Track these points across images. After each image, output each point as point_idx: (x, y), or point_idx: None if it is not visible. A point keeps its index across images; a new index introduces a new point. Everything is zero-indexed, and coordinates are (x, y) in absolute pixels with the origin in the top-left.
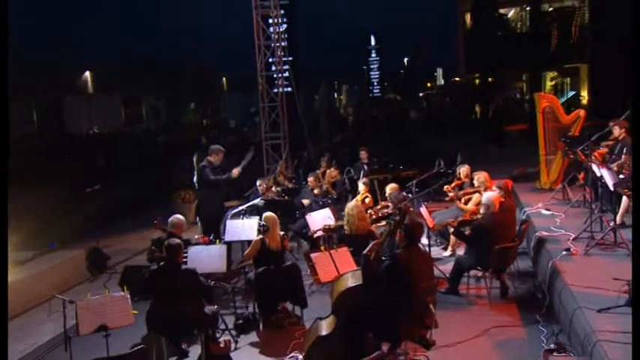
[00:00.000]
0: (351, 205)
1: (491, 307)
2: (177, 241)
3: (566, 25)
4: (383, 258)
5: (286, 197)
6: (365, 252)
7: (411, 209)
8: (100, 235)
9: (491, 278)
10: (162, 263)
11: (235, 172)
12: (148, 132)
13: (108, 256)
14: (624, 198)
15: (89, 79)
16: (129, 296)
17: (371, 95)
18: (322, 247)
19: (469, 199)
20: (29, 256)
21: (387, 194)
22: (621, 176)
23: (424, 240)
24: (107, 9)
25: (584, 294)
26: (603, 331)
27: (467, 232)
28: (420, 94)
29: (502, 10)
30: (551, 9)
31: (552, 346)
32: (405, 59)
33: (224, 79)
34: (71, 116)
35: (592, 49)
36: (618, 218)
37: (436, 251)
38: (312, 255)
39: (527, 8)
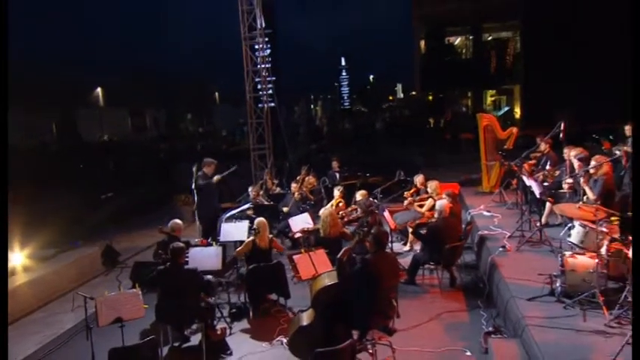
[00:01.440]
0: (325, 212)
1: (441, 295)
2: (181, 245)
3: (502, 52)
4: (355, 258)
5: (272, 202)
6: (339, 256)
7: (377, 211)
8: (112, 233)
9: (442, 271)
10: (167, 264)
11: (215, 179)
12: (151, 140)
13: (119, 253)
14: (547, 203)
15: (100, 94)
16: (140, 293)
17: (342, 107)
18: (303, 250)
19: (423, 204)
20: (51, 254)
21: (356, 200)
22: (545, 184)
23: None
24: (115, 32)
25: (516, 285)
26: (531, 316)
27: (423, 233)
28: (384, 106)
29: (450, 39)
30: (490, 38)
31: (491, 328)
32: (371, 76)
33: (216, 93)
34: (85, 126)
35: (523, 73)
36: (543, 219)
37: (397, 246)
38: (294, 257)
39: (471, 37)
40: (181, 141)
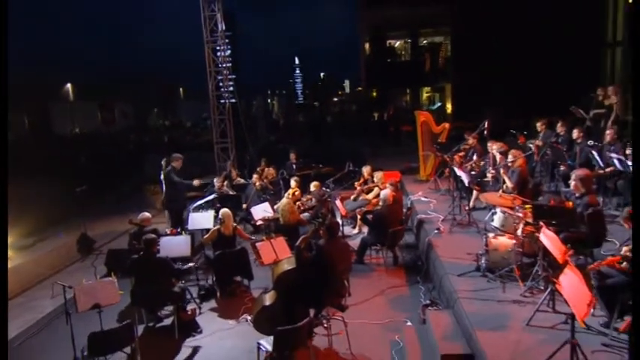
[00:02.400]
0: (283, 202)
1: (386, 273)
2: (153, 236)
3: (435, 55)
4: (312, 245)
5: (235, 192)
6: (297, 244)
7: (329, 200)
8: (86, 221)
9: (386, 251)
10: (141, 253)
11: (196, 182)
12: (120, 132)
13: (94, 240)
14: (474, 190)
15: (70, 89)
16: (116, 280)
17: (296, 102)
18: (264, 237)
19: (371, 191)
20: (30, 243)
21: (311, 190)
22: (473, 173)
23: (339, 220)
24: (84, 33)
25: (448, 262)
26: (461, 290)
27: (370, 219)
28: (335, 99)
29: (391, 42)
30: (425, 42)
31: (428, 301)
32: (322, 73)
33: (181, 89)
34: (57, 120)
35: (453, 73)
36: (471, 204)
37: (347, 230)
38: (257, 244)
39: (409, 41)
40: (148, 133)
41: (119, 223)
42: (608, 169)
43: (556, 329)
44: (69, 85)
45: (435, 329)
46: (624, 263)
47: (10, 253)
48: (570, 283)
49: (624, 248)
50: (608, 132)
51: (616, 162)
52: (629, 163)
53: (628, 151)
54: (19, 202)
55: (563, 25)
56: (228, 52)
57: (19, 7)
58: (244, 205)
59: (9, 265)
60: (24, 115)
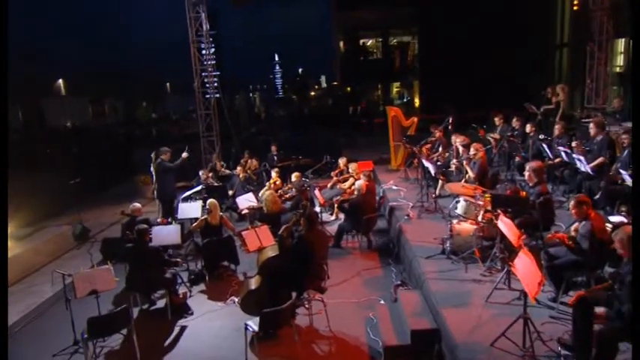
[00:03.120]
0: (266, 192)
1: (361, 256)
2: (144, 226)
3: (404, 53)
4: (294, 233)
5: (221, 183)
6: (280, 232)
7: (308, 189)
8: (81, 211)
9: (361, 236)
10: (134, 243)
11: (184, 155)
12: (110, 125)
13: (89, 229)
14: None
15: (62, 84)
16: (112, 268)
17: (276, 96)
18: (250, 226)
19: (346, 181)
20: (29, 232)
21: (292, 180)
22: (438, 163)
23: (317, 208)
24: (76, 31)
25: (417, 246)
26: (429, 271)
27: (346, 207)
28: (312, 93)
29: (363, 41)
30: (395, 42)
31: (399, 281)
32: (300, 69)
33: (167, 84)
34: (50, 114)
35: (420, 70)
36: (437, 192)
37: (326, 217)
38: (243, 232)
39: (380, 40)
40: (138, 126)
41: (112, 213)
42: (556, 160)
43: (511, 304)
44: (60, 81)
45: (405, 307)
46: (571, 242)
47: (9, 243)
48: (523, 264)
49: (571, 228)
50: (556, 126)
51: (563, 154)
52: (574, 155)
53: (573, 144)
54: (16, 194)
55: (517, 28)
56: (213, 50)
57: (13, 5)
58: (230, 192)
59: (10, 254)
60: (18, 110)
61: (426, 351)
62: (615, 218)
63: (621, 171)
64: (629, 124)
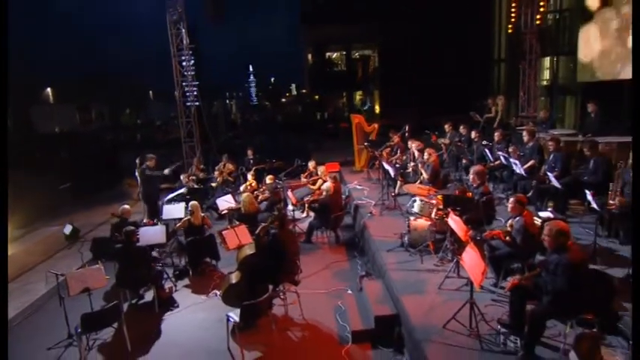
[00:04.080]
0: (243, 195)
1: (329, 250)
2: (132, 228)
3: (366, 65)
4: (269, 233)
5: (201, 185)
6: (257, 232)
7: (281, 191)
8: (72, 212)
9: (330, 232)
10: (123, 243)
11: (166, 171)
12: (97, 131)
13: (79, 229)
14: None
15: (50, 92)
16: (102, 267)
17: (251, 103)
18: (229, 226)
19: (315, 182)
20: (22, 234)
21: (266, 183)
22: (397, 166)
23: (290, 207)
24: (64, 41)
25: (380, 241)
26: (390, 263)
27: (316, 206)
28: (283, 100)
29: (329, 54)
30: (357, 55)
31: (364, 272)
32: (272, 78)
33: (150, 91)
34: (38, 120)
35: (380, 80)
36: (396, 191)
37: (298, 214)
38: (223, 232)
39: (344, 53)
40: (123, 132)
41: (101, 214)
42: (496, 163)
43: (460, 290)
44: (49, 90)
45: (369, 295)
46: (507, 237)
47: None
48: (470, 257)
49: (507, 224)
50: (496, 133)
51: (502, 158)
52: (511, 159)
53: (510, 149)
54: (9, 197)
55: (462, 46)
56: (192, 62)
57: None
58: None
59: None
60: (7, 116)
61: (388, 334)
62: (544, 214)
63: (548, 173)
64: (555, 132)
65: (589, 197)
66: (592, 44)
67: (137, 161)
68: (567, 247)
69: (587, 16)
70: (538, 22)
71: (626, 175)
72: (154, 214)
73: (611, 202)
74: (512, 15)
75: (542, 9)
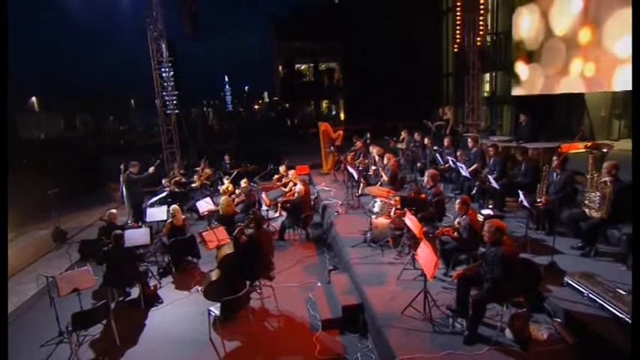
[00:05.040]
0: (221, 198)
1: (300, 246)
2: (120, 232)
3: (331, 76)
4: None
5: (182, 189)
6: (234, 234)
7: (256, 193)
8: (58, 216)
9: (301, 230)
10: (110, 246)
11: (151, 169)
12: (81, 137)
13: (66, 232)
14: (361, 182)
15: (35, 101)
16: (91, 268)
17: (226, 110)
18: (209, 227)
19: (286, 185)
20: (12, 237)
21: (241, 186)
22: (360, 169)
23: (264, 207)
24: (48, 49)
25: (345, 237)
26: (354, 258)
27: (288, 206)
28: (256, 107)
29: (298, 66)
30: (323, 67)
31: (331, 267)
32: (246, 87)
33: (132, 100)
34: (24, 128)
35: (344, 90)
36: (359, 192)
37: (271, 214)
38: (203, 233)
39: (312, 66)
40: (106, 138)
41: (87, 216)
42: (446, 165)
43: (416, 280)
44: (34, 99)
45: (336, 287)
46: (455, 233)
47: None
48: (423, 252)
49: (455, 221)
50: (446, 139)
51: (451, 162)
52: (458, 163)
53: (458, 154)
54: None
55: (416, 61)
56: (172, 73)
57: None
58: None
59: None
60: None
61: (354, 321)
62: (485, 211)
63: (488, 176)
64: (494, 138)
65: (521, 196)
66: (522, 63)
67: (121, 167)
68: (503, 242)
69: (517, 38)
70: (479, 42)
71: (550, 176)
72: (139, 217)
73: (538, 200)
74: (458, 36)
75: (481, 32)
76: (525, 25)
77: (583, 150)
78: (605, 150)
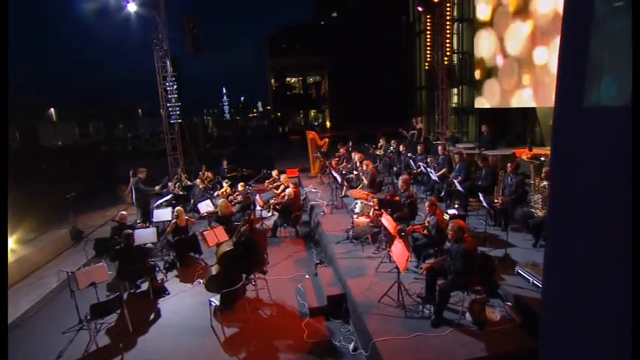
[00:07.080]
0: (220, 200)
1: (291, 242)
2: (129, 231)
3: (318, 88)
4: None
5: (185, 192)
6: (233, 237)
7: (251, 196)
8: (76, 216)
9: (291, 228)
10: (122, 244)
11: (157, 188)
12: (94, 144)
13: (82, 231)
14: (344, 185)
15: (53, 112)
16: (105, 264)
17: (224, 119)
18: (209, 227)
19: (278, 187)
20: (32, 236)
21: (238, 189)
22: (343, 172)
23: (258, 208)
24: (64, 64)
25: (330, 235)
26: (338, 253)
27: (279, 207)
28: (251, 115)
29: (289, 79)
30: (311, 80)
31: (318, 261)
32: (242, 97)
33: (140, 110)
34: (43, 135)
35: (329, 101)
36: (343, 194)
37: (265, 214)
38: (204, 232)
39: (301, 79)
40: (116, 144)
41: (100, 216)
42: (418, 170)
43: (391, 272)
44: (52, 110)
45: (322, 279)
46: (425, 230)
47: (17, 246)
48: (397, 248)
49: (425, 221)
50: (418, 147)
51: (422, 167)
52: (428, 168)
53: (429, 160)
54: (21, 205)
55: (393, 75)
56: (175, 86)
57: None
58: (192, 201)
59: (19, 255)
60: (16, 133)
61: (337, 309)
62: (451, 211)
63: (454, 180)
64: (460, 146)
65: (481, 197)
66: (483, 79)
67: (130, 173)
68: (464, 239)
69: (478, 57)
70: (446, 61)
71: (505, 180)
72: (146, 218)
73: (495, 200)
74: (428, 55)
75: (447, 52)
76: (485, 45)
77: (526, 159)
78: (542, 159)
